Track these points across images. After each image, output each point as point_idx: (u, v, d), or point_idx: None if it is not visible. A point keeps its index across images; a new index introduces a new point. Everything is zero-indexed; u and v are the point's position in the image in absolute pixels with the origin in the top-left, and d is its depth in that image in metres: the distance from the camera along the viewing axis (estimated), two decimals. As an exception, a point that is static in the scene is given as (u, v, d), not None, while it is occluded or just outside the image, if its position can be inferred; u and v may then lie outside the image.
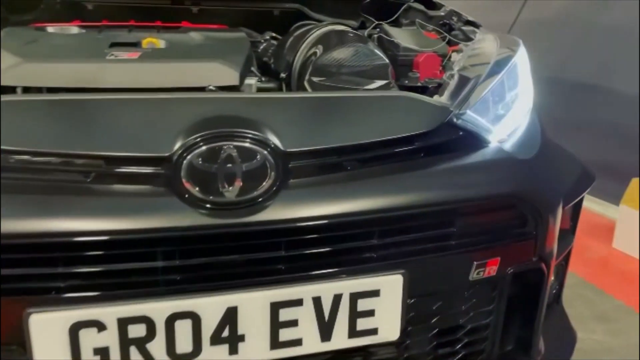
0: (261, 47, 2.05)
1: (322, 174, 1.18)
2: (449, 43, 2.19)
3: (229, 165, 1.06)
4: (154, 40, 1.67)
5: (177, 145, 1.06)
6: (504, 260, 1.31)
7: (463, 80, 1.48)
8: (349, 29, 1.87)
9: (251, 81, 1.67)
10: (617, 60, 4.23)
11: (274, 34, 2.14)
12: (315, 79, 1.52)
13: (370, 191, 1.18)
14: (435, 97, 1.43)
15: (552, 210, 1.38)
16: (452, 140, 1.34)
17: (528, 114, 1.61)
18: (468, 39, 2.04)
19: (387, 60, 1.57)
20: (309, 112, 1.24)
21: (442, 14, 2.29)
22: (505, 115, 1.48)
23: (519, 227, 1.36)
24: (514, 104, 1.53)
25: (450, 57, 1.71)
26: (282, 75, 1.76)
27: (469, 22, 2.21)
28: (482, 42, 1.77)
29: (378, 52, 1.60)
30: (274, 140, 1.12)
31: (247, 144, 1.09)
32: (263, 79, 1.80)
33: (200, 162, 1.05)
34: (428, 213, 1.22)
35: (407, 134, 1.26)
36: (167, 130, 1.08)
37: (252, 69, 1.73)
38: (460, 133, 1.35)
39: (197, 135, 1.06)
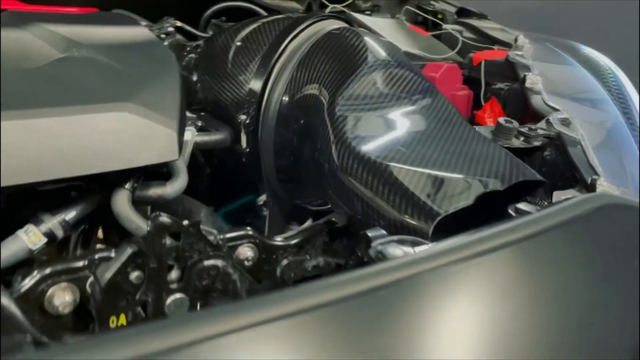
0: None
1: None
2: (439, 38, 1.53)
3: None
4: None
5: None
6: None
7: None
8: (350, 28, 1.06)
9: (186, 135, 0.83)
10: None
11: (178, 23, 1.23)
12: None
13: None
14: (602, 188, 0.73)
15: None
16: None
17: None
18: (487, 38, 1.38)
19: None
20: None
21: (419, -5, 1.60)
22: None
23: None
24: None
25: (525, 80, 1.02)
26: (242, 117, 0.91)
27: (464, 11, 1.54)
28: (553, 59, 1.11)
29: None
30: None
31: None
32: (199, 122, 0.93)
33: None
34: None
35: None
36: None
37: None
38: None
39: None
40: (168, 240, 0.52)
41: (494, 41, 1.34)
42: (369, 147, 0.72)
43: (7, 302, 0.48)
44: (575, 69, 1.08)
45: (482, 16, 1.50)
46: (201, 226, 0.53)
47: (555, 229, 0.53)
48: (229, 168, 1.03)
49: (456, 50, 1.33)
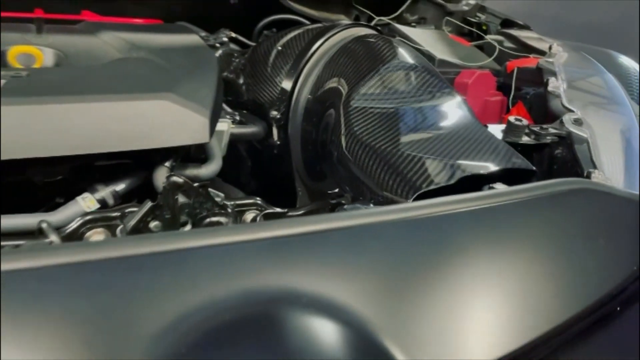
0: (217, 55, 1.28)
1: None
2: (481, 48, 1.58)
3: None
4: (30, 50, 0.89)
5: None
6: None
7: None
8: (379, 34, 1.15)
9: (223, 125, 0.95)
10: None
11: (232, 34, 1.37)
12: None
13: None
14: (597, 176, 0.77)
15: None
16: None
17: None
18: (525, 47, 1.42)
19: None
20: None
21: (466, 8, 1.65)
22: None
23: None
24: None
25: (547, 84, 1.06)
26: (274, 113, 1.02)
27: (508, 22, 1.58)
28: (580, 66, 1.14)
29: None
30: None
31: None
32: (237, 116, 1.06)
33: None
34: None
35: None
36: None
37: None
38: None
39: None
40: (183, 199, 0.64)
41: (531, 50, 1.38)
42: (372, 135, 0.80)
43: (56, 239, 0.61)
44: (602, 75, 1.10)
45: (524, 27, 1.54)
46: (209, 189, 0.64)
47: (520, 203, 0.59)
48: (266, 160, 1.15)
49: (492, 58, 1.38)
